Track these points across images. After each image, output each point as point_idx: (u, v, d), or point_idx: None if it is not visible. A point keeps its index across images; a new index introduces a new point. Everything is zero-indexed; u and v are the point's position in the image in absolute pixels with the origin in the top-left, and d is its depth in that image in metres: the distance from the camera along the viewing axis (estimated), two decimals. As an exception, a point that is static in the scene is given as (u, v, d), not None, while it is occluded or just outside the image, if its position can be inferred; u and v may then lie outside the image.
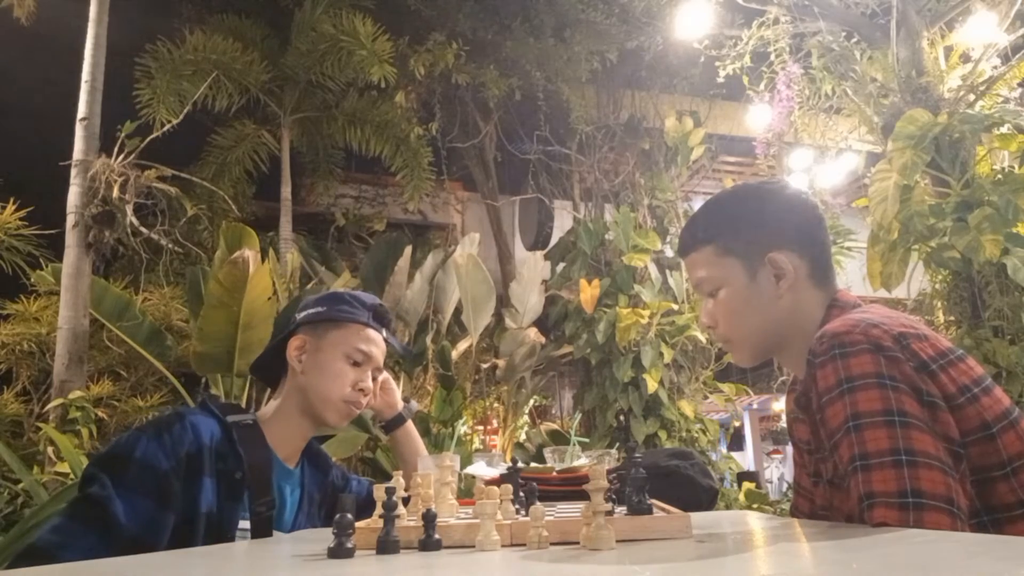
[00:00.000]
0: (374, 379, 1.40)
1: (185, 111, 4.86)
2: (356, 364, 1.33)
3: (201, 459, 1.15)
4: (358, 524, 0.78)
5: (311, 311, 1.36)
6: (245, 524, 1.19)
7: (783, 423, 11.56)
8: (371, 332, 1.37)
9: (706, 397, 6.12)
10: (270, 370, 1.39)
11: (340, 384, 1.31)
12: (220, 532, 1.15)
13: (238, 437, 1.22)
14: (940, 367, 0.90)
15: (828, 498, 1.05)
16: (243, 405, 3.15)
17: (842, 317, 1.01)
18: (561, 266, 6.58)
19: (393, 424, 1.56)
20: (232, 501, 1.17)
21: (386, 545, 0.76)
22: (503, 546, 0.77)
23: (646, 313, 5.54)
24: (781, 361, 1.17)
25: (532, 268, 5.80)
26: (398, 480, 0.89)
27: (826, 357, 0.94)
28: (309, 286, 5.24)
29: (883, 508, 0.82)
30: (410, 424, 1.58)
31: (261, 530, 1.20)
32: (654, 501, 0.87)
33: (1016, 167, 4.12)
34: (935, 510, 0.80)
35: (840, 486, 0.97)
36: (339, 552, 0.73)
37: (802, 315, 1.09)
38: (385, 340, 1.41)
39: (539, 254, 6.10)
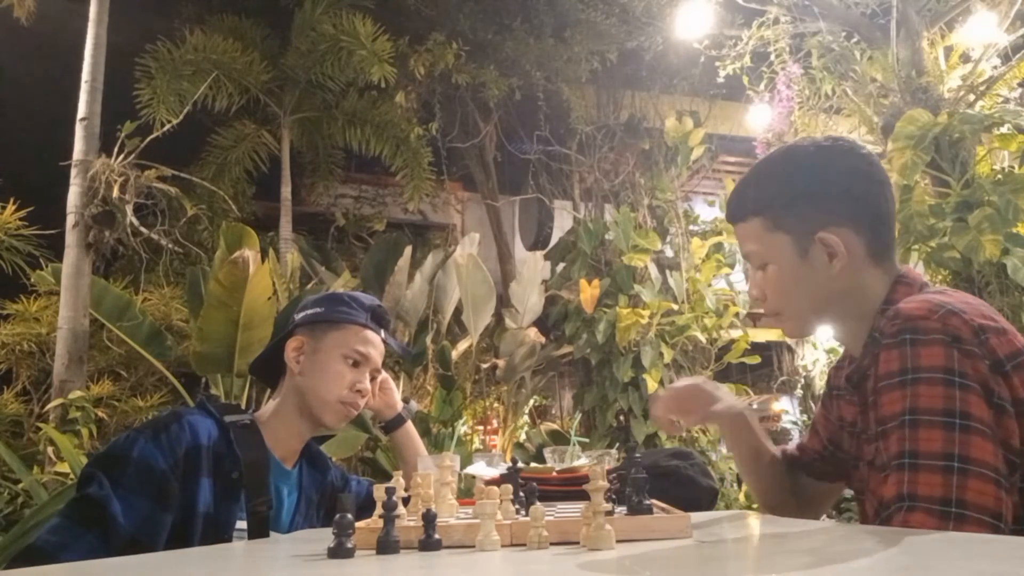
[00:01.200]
0: (372, 380, 1.40)
1: (185, 111, 4.86)
2: (354, 365, 1.33)
3: (199, 459, 1.15)
4: (358, 524, 0.78)
5: (309, 312, 1.36)
6: (242, 524, 1.18)
7: (783, 423, 11.55)
8: (369, 333, 1.36)
9: (706, 397, 6.10)
10: (269, 370, 1.39)
11: (337, 385, 1.30)
12: (217, 532, 1.15)
13: (235, 437, 1.22)
14: (1014, 368, 0.84)
15: (865, 479, 1.01)
16: (243, 405, 3.14)
17: (919, 297, 0.94)
18: (561, 266, 6.58)
19: (393, 425, 1.56)
20: (229, 501, 1.17)
21: (386, 545, 0.76)
22: (503, 546, 0.77)
23: (646, 313, 5.54)
24: (834, 333, 1.11)
25: (532, 268, 5.80)
26: (398, 480, 0.89)
27: (894, 340, 0.87)
28: (309, 286, 5.24)
29: (922, 514, 0.78)
30: (410, 425, 1.58)
31: (258, 530, 1.19)
32: (654, 501, 0.87)
33: (1016, 167, 4.12)
34: (977, 524, 0.77)
35: (879, 468, 0.93)
36: (339, 552, 0.73)
37: (860, 293, 1.02)
38: (384, 341, 1.41)
39: (539, 254, 6.09)
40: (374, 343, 1.37)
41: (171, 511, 1.10)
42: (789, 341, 7.31)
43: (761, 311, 1.12)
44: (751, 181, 1.08)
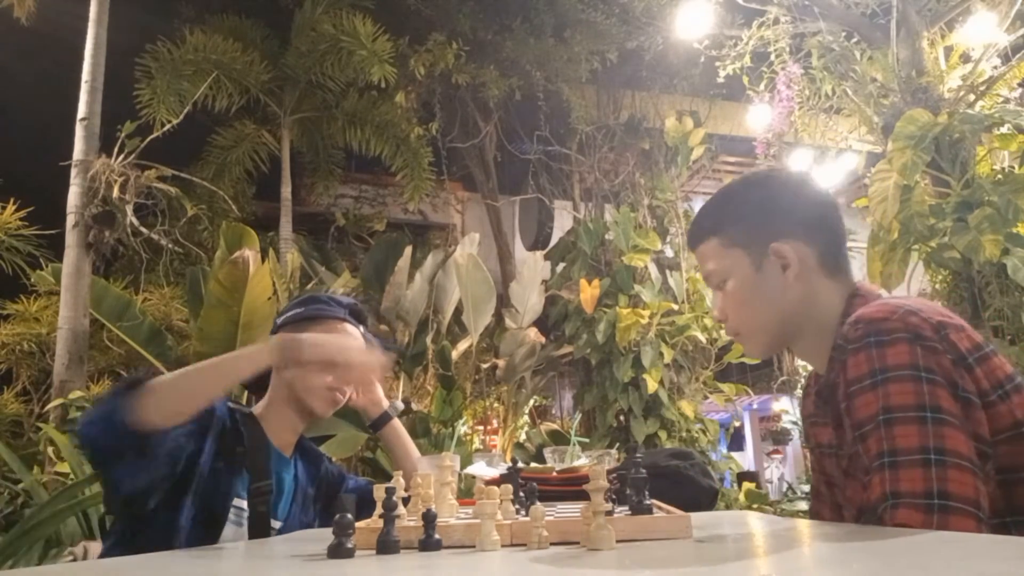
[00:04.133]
0: None
1: (185, 111, 4.86)
2: None
3: (210, 420, 1.23)
4: (358, 524, 0.78)
5: (289, 313, 1.42)
6: (241, 503, 1.23)
7: (783, 423, 11.55)
8: (348, 326, 1.42)
9: (706, 397, 6.11)
10: (257, 381, 1.42)
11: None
12: (213, 499, 1.20)
13: (240, 419, 1.30)
14: (976, 360, 0.87)
15: (843, 494, 1.02)
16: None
17: (877, 302, 0.97)
18: (561, 266, 6.58)
19: (380, 422, 1.58)
20: (230, 474, 1.23)
21: (386, 545, 0.76)
22: (503, 546, 0.77)
23: (646, 313, 5.54)
24: (795, 352, 1.14)
25: (532, 268, 5.80)
26: (398, 480, 0.89)
27: (860, 344, 0.90)
28: (309, 286, 5.24)
29: (907, 509, 0.80)
30: (397, 422, 1.60)
31: (257, 512, 1.24)
32: (654, 501, 0.87)
33: (1016, 167, 4.11)
34: (961, 514, 0.78)
35: (854, 476, 0.95)
36: (339, 552, 0.73)
37: (816, 306, 1.06)
38: (364, 337, 1.44)
39: (539, 254, 6.10)
40: (353, 335, 1.41)
41: (182, 450, 1.16)
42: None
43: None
44: (707, 207, 1.15)
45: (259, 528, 1.25)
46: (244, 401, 3.78)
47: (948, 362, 0.86)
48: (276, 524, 1.30)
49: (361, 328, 1.45)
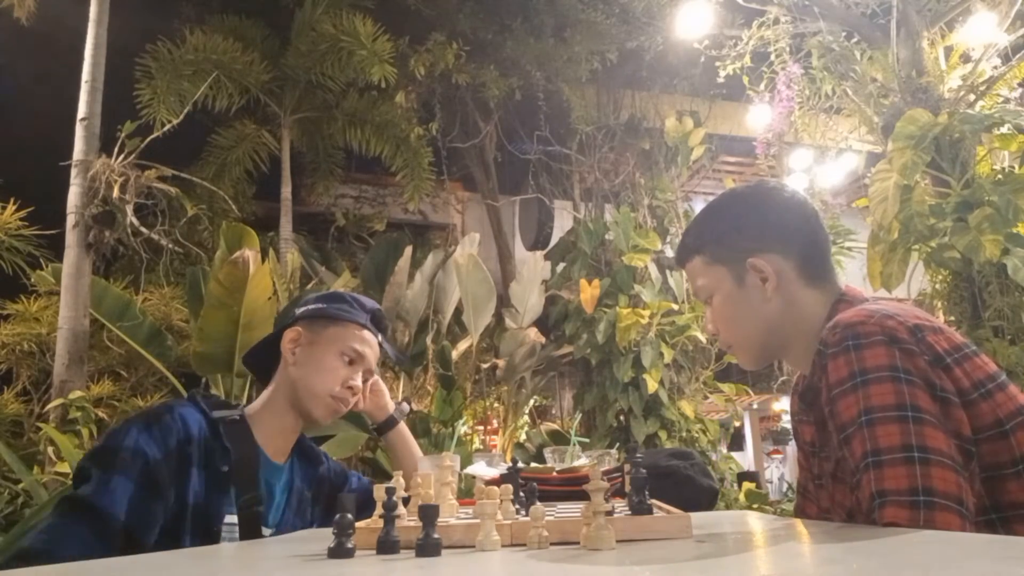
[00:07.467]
0: (364, 381, 1.40)
1: (185, 111, 4.86)
2: (349, 363, 1.34)
3: (190, 450, 1.16)
4: (358, 524, 0.78)
5: (311, 307, 1.38)
6: (232, 519, 1.19)
7: (783, 423, 11.55)
8: (367, 334, 1.37)
9: (706, 397, 6.11)
10: (263, 363, 1.40)
11: (330, 379, 1.31)
12: (207, 525, 1.15)
13: (224, 432, 1.22)
14: (955, 361, 0.89)
15: (831, 497, 1.04)
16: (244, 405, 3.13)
17: (855, 308, 0.99)
18: (561, 266, 6.58)
19: (385, 426, 1.56)
20: (218, 493, 1.18)
21: (386, 545, 0.76)
22: (503, 546, 0.77)
23: (646, 313, 5.54)
24: (787, 362, 1.17)
25: (532, 268, 5.80)
26: (398, 480, 0.89)
27: (839, 348, 0.92)
28: (309, 286, 5.24)
29: (894, 507, 0.81)
30: (402, 426, 1.58)
31: (249, 525, 1.20)
32: (654, 501, 0.87)
33: (1016, 167, 4.11)
34: (945, 510, 0.79)
35: (842, 480, 0.96)
36: (339, 552, 0.73)
37: (800, 315, 1.08)
38: (380, 345, 1.41)
39: (539, 254, 6.09)
40: (371, 344, 1.37)
41: (163, 501, 1.10)
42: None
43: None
44: (691, 226, 1.19)
45: (250, 538, 1.20)
46: (245, 401, 3.79)
47: (924, 363, 0.88)
48: (267, 532, 1.25)
49: (380, 336, 1.41)
